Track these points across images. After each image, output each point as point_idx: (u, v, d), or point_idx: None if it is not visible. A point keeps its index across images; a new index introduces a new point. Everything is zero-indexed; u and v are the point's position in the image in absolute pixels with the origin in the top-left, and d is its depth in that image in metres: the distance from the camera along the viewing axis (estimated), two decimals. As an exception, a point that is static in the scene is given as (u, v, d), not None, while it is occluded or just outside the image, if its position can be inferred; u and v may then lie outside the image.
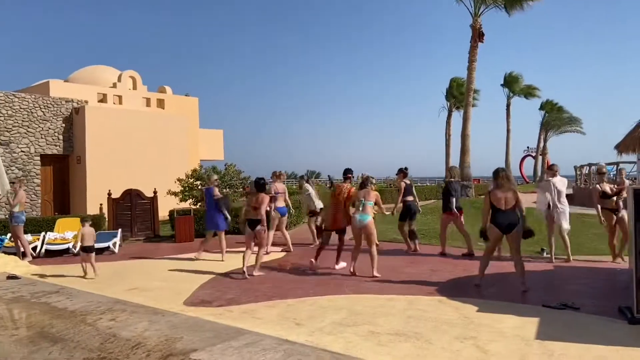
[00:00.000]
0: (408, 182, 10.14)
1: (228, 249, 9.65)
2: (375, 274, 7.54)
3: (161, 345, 4.66)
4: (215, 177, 10.20)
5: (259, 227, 7.84)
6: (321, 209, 10.62)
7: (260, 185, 8.10)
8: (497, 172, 6.82)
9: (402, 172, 10.14)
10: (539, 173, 46.59)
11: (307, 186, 11.03)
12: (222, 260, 9.24)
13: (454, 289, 6.76)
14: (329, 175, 11.36)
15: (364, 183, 7.99)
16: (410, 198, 10.00)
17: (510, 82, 46.52)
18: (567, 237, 8.63)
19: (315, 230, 10.91)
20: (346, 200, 8.13)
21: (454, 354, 4.33)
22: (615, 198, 8.33)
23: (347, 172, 8.68)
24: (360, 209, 7.74)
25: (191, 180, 15.19)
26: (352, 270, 7.78)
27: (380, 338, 4.75)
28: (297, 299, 6.31)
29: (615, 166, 19.60)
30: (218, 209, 9.46)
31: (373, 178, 9.76)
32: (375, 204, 7.87)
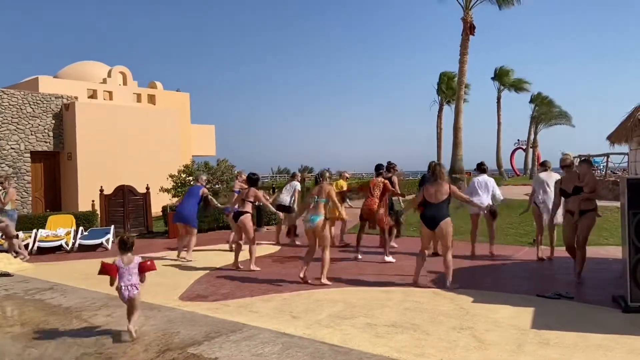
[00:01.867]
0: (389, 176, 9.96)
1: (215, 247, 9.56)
2: (324, 281, 6.76)
3: (158, 340, 4.65)
4: (205, 177, 10.04)
5: (242, 217, 7.93)
6: (283, 205, 10.56)
7: (252, 180, 8.27)
8: (429, 167, 6.99)
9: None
10: (530, 166, 46.82)
11: (295, 183, 10.93)
12: (190, 260, 8.80)
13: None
14: (328, 168, 11.29)
15: (318, 178, 7.30)
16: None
17: (501, 76, 46.61)
18: (554, 233, 8.27)
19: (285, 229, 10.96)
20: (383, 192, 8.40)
21: (451, 344, 4.35)
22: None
23: (379, 168, 8.94)
24: (313, 207, 6.96)
25: (183, 176, 15.11)
26: (302, 276, 6.89)
27: (377, 330, 4.77)
28: (293, 293, 6.32)
29: (605, 157, 19.78)
30: (199, 206, 9.21)
31: (346, 172, 9.71)
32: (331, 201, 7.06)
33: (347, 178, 11.19)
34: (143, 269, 4.84)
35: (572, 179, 6.50)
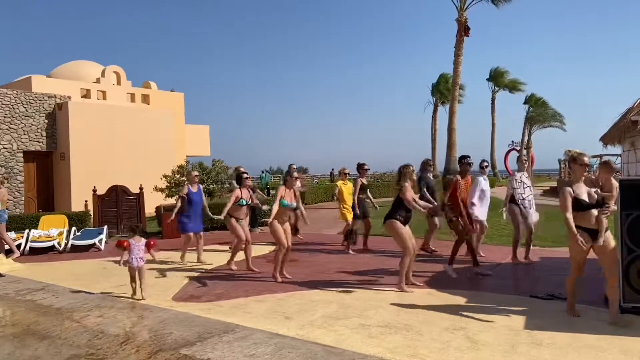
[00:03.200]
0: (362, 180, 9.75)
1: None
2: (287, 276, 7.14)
3: (150, 341, 4.62)
4: (196, 173, 9.40)
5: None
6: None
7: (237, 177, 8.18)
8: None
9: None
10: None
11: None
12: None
13: (442, 281, 6.80)
14: (332, 169, 11.06)
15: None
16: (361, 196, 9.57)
17: (496, 77, 46.83)
18: (528, 236, 8.01)
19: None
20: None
21: (444, 344, 4.35)
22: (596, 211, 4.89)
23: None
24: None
25: (177, 177, 15.06)
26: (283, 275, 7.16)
27: (370, 330, 4.76)
28: (287, 293, 6.30)
29: (599, 159, 19.86)
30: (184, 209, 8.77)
31: (345, 168, 9.49)
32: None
33: (347, 175, 10.34)
34: (149, 246, 6.41)
35: (590, 187, 5.13)
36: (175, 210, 8.65)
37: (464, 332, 4.64)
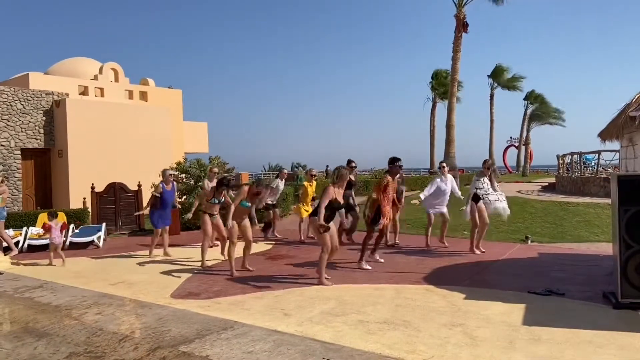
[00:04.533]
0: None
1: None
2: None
3: (149, 338, 4.62)
4: (170, 172, 9.73)
5: None
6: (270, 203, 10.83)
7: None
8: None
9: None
10: (522, 163, 47.00)
11: (277, 180, 11.23)
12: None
13: (441, 278, 6.80)
14: (327, 166, 11.34)
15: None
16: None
17: (497, 74, 46.61)
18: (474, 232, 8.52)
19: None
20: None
21: (442, 340, 4.36)
22: None
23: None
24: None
25: (176, 174, 15.04)
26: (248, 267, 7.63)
27: (369, 327, 4.76)
28: (285, 290, 6.30)
29: (597, 155, 19.91)
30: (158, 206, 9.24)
31: (312, 170, 9.78)
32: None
33: (313, 176, 10.75)
34: (63, 228, 8.71)
35: None
36: (146, 206, 9.29)
37: (462, 328, 4.65)
